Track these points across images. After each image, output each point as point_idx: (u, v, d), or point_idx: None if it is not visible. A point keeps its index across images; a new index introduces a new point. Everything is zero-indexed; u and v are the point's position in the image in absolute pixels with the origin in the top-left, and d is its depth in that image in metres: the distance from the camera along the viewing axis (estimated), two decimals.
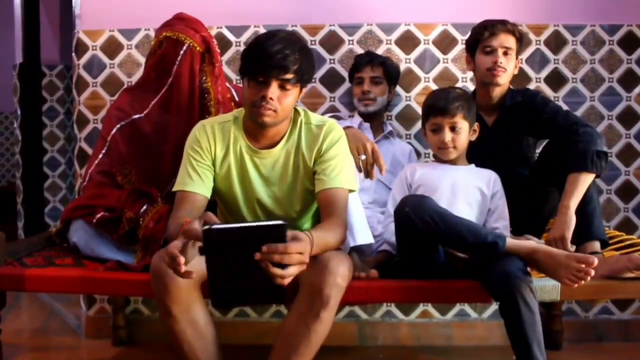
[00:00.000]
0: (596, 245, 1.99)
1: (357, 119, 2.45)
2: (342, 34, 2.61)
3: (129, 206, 2.02)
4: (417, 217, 1.75)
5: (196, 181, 1.79)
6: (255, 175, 1.84)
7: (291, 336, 1.61)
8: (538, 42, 2.61)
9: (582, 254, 1.72)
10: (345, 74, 2.60)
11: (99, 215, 2.03)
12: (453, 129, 2.00)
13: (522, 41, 2.21)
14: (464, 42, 2.39)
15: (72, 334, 2.76)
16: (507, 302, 1.69)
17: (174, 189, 1.81)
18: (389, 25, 2.60)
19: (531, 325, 1.66)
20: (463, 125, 2.00)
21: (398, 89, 2.56)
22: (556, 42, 2.61)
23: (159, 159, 2.13)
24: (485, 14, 2.27)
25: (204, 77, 2.17)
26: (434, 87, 2.56)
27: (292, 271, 1.41)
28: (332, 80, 2.61)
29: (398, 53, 2.58)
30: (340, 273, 1.59)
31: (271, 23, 2.56)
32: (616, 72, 2.62)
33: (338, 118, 2.43)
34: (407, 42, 2.60)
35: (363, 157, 1.96)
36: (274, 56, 1.66)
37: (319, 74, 2.59)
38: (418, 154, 2.55)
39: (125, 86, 2.59)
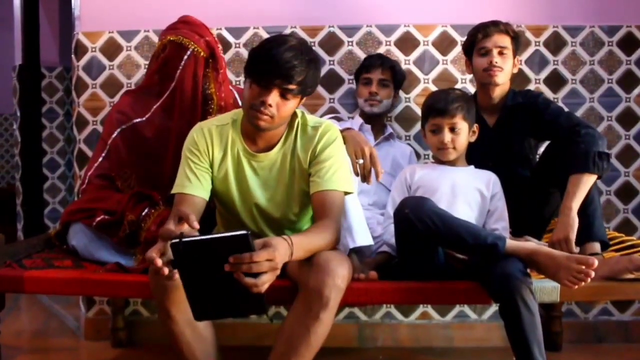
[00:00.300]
0: (596, 246, 1.99)
1: (358, 120, 2.45)
2: (341, 35, 2.61)
3: (130, 209, 2.01)
4: (416, 219, 1.75)
5: (194, 183, 1.78)
6: (253, 178, 1.84)
7: (291, 337, 1.60)
8: (537, 43, 2.61)
9: (582, 256, 1.72)
10: (344, 75, 2.60)
11: (99, 219, 2.03)
12: (452, 129, 2.00)
13: (517, 40, 2.21)
14: (462, 43, 2.39)
15: (71, 335, 2.76)
16: (507, 303, 1.69)
17: (173, 191, 1.81)
18: (389, 26, 2.60)
19: (531, 326, 1.66)
20: (462, 126, 2.00)
21: None
22: (556, 43, 2.61)
23: (160, 164, 2.12)
24: (485, 15, 2.27)
25: (208, 83, 2.17)
26: (433, 88, 2.56)
27: (265, 279, 1.40)
28: (331, 81, 2.61)
29: (397, 54, 2.59)
30: (339, 274, 1.59)
31: (271, 24, 2.57)
32: (616, 73, 2.62)
33: (338, 119, 2.44)
34: (407, 43, 2.60)
35: (361, 161, 1.95)
36: (280, 64, 1.64)
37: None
38: (417, 155, 2.55)
39: (125, 88, 2.59)
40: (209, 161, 1.82)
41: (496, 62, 2.15)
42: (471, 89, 2.48)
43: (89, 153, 2.61)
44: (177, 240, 1.35)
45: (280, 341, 1.63)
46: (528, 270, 1.75)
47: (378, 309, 2.66)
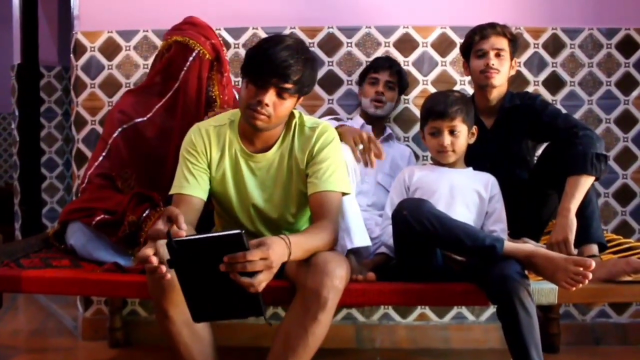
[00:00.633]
0: (594, 248, 1.99)
1: (359, 121, 2.45)
2: (340, 36, 2.61)
3: (131, 210, 2.01)
4: (415, 221, 1.75)
5: (192, 184, 1.78)
6: (250, 179, 1.84)
7: (289, 338, 1.60)
8: (536, 46, 2.61)
9: (579, 257, 1.73)
10: (343, 76, 2.60)
11: (98, 218, 2.02)
12: (452, 132, 2.00)
13: (515, 42, 2.22)
14: (460, 45, 2.39)
15: (68, 335, 2.76)
16: (504, 305, 1.69)
17: (171, 192, 1.81)
18: (388, 27, 2.60)
19: (529, 328, 1.66)
20: (462, 128, 2.01)
21: None
22: (554, 46, 2.61)
23: (161, 164, 2.12)
24: (484, 17, 2.27)
25: (211, 86, 2.17)
26: (432, 89, 2.57)
27: (261, 278, 1.40)
28: (330, 82, 2.61)
29: (396, 56, 2.59)
30: (337, 275, 1.59)
31: (270, 25, 2.57)
32: (614, 75, 2.63)
33: (337, 120, 2.44)
34: (406, 44, 2.60)
35: (361, 146, 1.97)
36: (277, 63, 1.64)
37: (318, 76, 2.57)
38: (416, 157, 2.56)
39: (124, 88, 2.59)
40: (206, 162, 1.82)
41: (493, 64, 2.15)
42: (470, 91, 2.49)
43: (88, 153, 2.60)
44: (171, 240, 1.35)
45: (278, 342, 1.63)
46: (526, 272, 1.75)
47: (376, 310, 2.66)
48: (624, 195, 2.65)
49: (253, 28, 2.60)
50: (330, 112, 2.59)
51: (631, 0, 2.63)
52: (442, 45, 2.61)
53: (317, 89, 2.59)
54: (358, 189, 2.19)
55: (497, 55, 2.17)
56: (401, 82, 2.47)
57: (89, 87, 2.62)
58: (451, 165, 2.04)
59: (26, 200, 3.88)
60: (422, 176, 2.04)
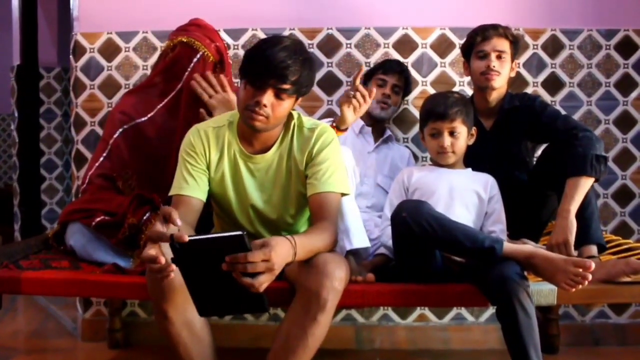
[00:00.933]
0: (593, 249, 1.99)
1: (359, 122, 2.45)
2: (340, 37, 2.61)
3: (131, 212, 2.01)
4: (414, 223, 1.75)
5: (191, 185, 1.78)
6: (249, 180, 1.84)
7: (288, 339, 1.60)
8: (535, 47, 2.61)
9: (579, 258, 1.73)
10: (343, 77, 2.60)
11: (98, 219, 2.02)
12: (452, 133, 2.00)
13: (516, 44, 2.21)
14: (461, 46, 2.39)
15: (68, 336, 2.75)
16: (504, 306, 1.69)
17: (170, 193, 1.81)
18: (387, 29, 2.60)
19: (528, 329, 1.66)
20: (462, 130, 2.01)
21: None
22: (553, 47, 2.62)
23: (162, 165, 2.12)
24: (483, 18, 2.27)
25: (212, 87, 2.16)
26: (431, 91, 2.57)
27: (262, 279, 1.41)
28: (329, 83, 2.61)
29: (396, 57, 2.59)
30: (337, 276, 1.59)
31: (269, 26, 2.57)
32: (613, 76, 2.63)
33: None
34: (405, 46, 2.61)
35: (352, 92, 2.01)
36: (274, 64, 1.64)
37: (317, 77, 2.58)
38: (415, 158, 2.56)
39: (124, 89, 2.59)
40: (205, 163, 1.82)
41: (494, 66, 2.15)
42: (469, 92, 2.49)
43: (87, 154, 2.60)
44: (174, 241, 1.36)
45: (277, 343, 1.63)
46: (525, 273, 1.75)
47: (375, 311, 2.66)
48: (623, 196, 2.65)
49: (252, 29, 2.60)
50: (329, 113, 2.59)
51: (630, 2, 2.63)
52: (442, 46, 2.61)
53: (317, 90, 2.59)
54: (357, 191, 2.19)
55: (499, 57, 2.16)
56: (406, 88, 2.48)
57: (88, 88, 2.62)
58: (450, 166, 2.05)
59: (25, 201, 3.88)
60: (421, 177, 2.05)
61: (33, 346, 2.68)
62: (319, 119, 2.47)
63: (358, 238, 1.91)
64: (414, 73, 2.60)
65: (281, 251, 1.47)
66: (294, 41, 1.74)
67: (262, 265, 1.41)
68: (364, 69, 2.08)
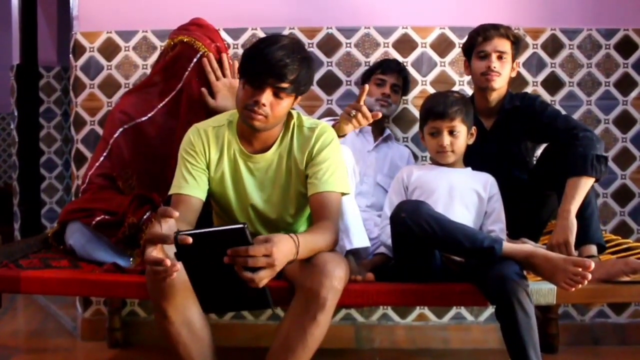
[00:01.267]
0: (593, 249, 1.99)
1: None
2: (339, 36, 2.61)
3: (131, 211, 2.01)
4: (413, 223, 1.75)
5: (191, 184, 1.79)
6: (249, 180, 1.84)
7: (288, 339, 1.60)
8: (535, 46, 2.61)
9: (579, 258, 1.73)
10: (342, 76, 2.60)
11: (98, 218, 2.02)
12: (451, 133, 2.00)
13: (517, 44, 2.21)
14: (461, 45, 2.39)
15: (67, 336, 2.75)
16: (503, 305, 1.69)
17: (170, 192, 1.81)
18: (387, 28, 2.60)
19: (527, 328, 1.66)
20: (461, 129, 2.01)
21: None
22: (553, 46, 2.62)
23: (163, 164, 2.12)
24: (483, 18, 2.27)
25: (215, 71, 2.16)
26: (431, 90, 2.57)
27: (262, 274, 1.41)
28: (329, 83, 2.61)
29: (395, 56, 2.59)
30: (336, 276, 1.59)
31: (269, 26, 2.57)
32: (613, 76, 2.63)
33: (336, 121, 2.43)
34: (405, 45, 2.61)
35: (353, 112, 1.96)
36: (273, 63, 1.65)
37: (317, 76, 2.58)
38: (415, 157, 2.56)
39: (123, 89, 2.59)
40: (205, 162, 1.82)
41: (494, 67, 2.14)
42: (469, 91, 2.49)
43: (87, 153, 2.61)
44: (175, 233, 1.36)
45: (277, 342, 1.63)
46: (524, 273, 1.75)
47: (375, 310, 2.66)
48: (623, 195, 2.65)
49: (252, 29, 2.60)
50: (329, 112, 2.59)
51: (630, 1, 2.63)
52: (441, 45, 2.61)
53: (316, 89, 2.60)
54: (357, 190, 2.19)
55: (499, 57, 2.16)
56: (405, 87, 2.48)
57: (88, 87, 2.62)
58: (450, 165, 2.05)
59: (25, 200, 3.88)
60: (421, 176, 2.05)
61: (33, 345, 2.68)
62: (319, 118, 2.47)
63: (358, 237, 1.91)
64: (413, 72, 2.60)
65: (283, 248, 1.47)
66: (292, 40, 1.74)
67: (263, 260, 1.41)
68: (367, 87, 2.05)
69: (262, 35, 2.56)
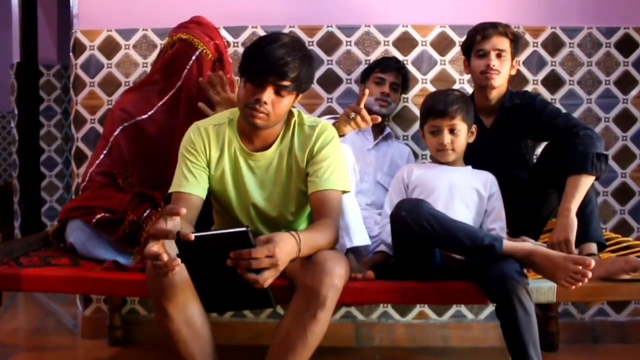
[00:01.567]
0: (593, 247, 1.99)
1: None
2: (340, 35, 2.61)
3: (132, 209, 2.01)
4: (413, 222, 1.75)
5: (191, 182, 1.79)
6: (250, 178, 1.84)
7: (288, 337, 1.61)
8: (535, 44, 2.61)
9: (579, 256, 1.73)
10: (342, 75, 2.60)
11: (98, 216, 2.03)
12: (452, 131, 2.00)
13: (517, 42, 2.21)
14: (461, 44, 2.39)
15: (68, 334, 2.76)
16: (503, 303, 1.69)
17: (170, 190, 1.81)
18: (387, 26, 2.60)
19: (527, 326, 1.66)
20: (462, 127, 2.01)
21: None
22: (553, 44, 2.62)
23: (163, 162, 2.12)
24: (483, 16, 2.27)
25: (214, 88, 2.16)
26: (431, 88, 2.57)
27: (266, 275, 1.41)
28: (329, 81, 2.61)
29: (396, 54, 2.59)
30: (337, 274, 1.59)
31: (269, 24, 2.57)
32: (613, 74, 2.63)
33: (336, 119, 2.43)
34: (405, 43, 2.61)
35: (352, 114, 1.96)
36: (273, 61, 1.65)
37: (317, 75, 2.59)
38: (415, 156, 2.56)
39: (123, 87, 2.59)
40: (206, 160, 1.82)
41: (493, 65, 2.14)
42: (469, 90, 2.49)
43: (87, 151, 2.61)
44: (178, 235, 1.36)
45: (277, 340, 1.63)
46: (525, 271, 1.75)
47: (375, 308, 2.66)
48: (623, 194, 2.66)
49: (252, 27, 2.60)
50: (329, 111, 2.60)
51: (630, 0, 2.63)
52: (442, 44, 2.61)
53: (317, 87, 2.60)
54: (357, 188, 2.19)
55: (498, 55, 2.16)
56: (405, 84, 2.48)
57: (88, 85, 2.62)
58: (450, 163, 2.05)
59: (25, 198, 3.88)
60: (421, 174, 2.05)
61: (33, 343, 2.68)
62: (319, 116, 2.47)
63: (358, 236, 1.92)
64: (413, 71, 2.60)
65: (285, 247, 1.47)
66: (293, 38, 1.74)
67: (266, 261, 1.41)
68: (367, 93, 2.06)
69: (262, 33, 2.56)
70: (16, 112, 3.87)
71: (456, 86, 2.58)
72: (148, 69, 2.54)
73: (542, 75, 2.62)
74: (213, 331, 1.70)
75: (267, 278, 1.42)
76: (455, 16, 2.60)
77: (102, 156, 2.20)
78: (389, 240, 1.92)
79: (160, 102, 2.19)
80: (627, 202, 2.66)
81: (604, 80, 2.63)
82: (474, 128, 2.07)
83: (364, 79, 2.49)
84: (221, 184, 1.84)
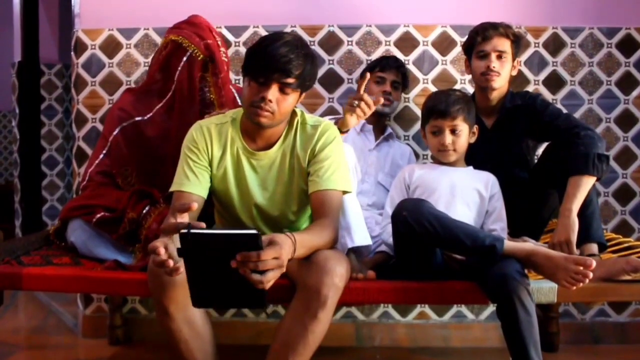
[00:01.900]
0: (594, 247, 1.99)
1: (361, 120, 2.44)
2: (341, 34, 2.61)
3: (131, 206, 2.01)
4: (414, 222, 1.75)
5: (192, 181, 1.78)
6: (252, 177, 1.84)
7: (289, 336, 1.61)
8: (537, 45, 2.61)
9: (580, 257, 1.73)
10: (344, 74, 2.60)
11: (99, 215, 2.03)
12: (453, 131, 2.00)
13: (518, 43, 2.20)
14: (462, 43, 2.39)
15: (69, 333, 2.76)
16: (504, 303, 1.69)
17: (171, 189, 1.81)
18: (388, 26, 2.60)
19: (528, 327, 1.66)
20: (463, 127, 2.01)
21: None
22: (555, 45, 2.62)
23: (161, 163, 2.12)
24: (484, 16, 2.27)
25: (207, 88, 2.16)
26: (432, 88, 2.57)
27: (271, 276, 1.40)
28: (331, 81, 2.61)
29: (397, 54, 2.59)
30: (338, 273, 1.59)
31: (270, 23, 2.57)
32: (614, 75, 2.63)
33: (337, 119, 2.44)
34: (406, 43, 2.61)
35: (355, 102, 1.96)
36: (277, 59, 1.65)
37: (318, 74, 2.58)
38: (416, 156, 2.56)
39: (125, 86, 2.59)
40: (208, 159, 1.82)
41: (494, 67, 2.14)
42: (470, 90, 2.49)
43: (88, 150, 2.61)
44: (186, 230, 1.34)
45: (277, 340, 1.63)
46: (525, 271, 1.75)
47: (375, 308, 2.66)
48: (624, 194, 2.65)
49: (254, 26, 2.60)
50: (330, 110, 2.60)
51: (632, 0, 2.63)
52: (443, 44, 2.61)
53: (318, 87, 2.60)
54: (358, 189, 2.19)
55: (499, 57, 2.16)
56: (405, 82, 2.48)
57: (89, 84, 2.62)
58: (452, 164, 2.05)
59: (26, 197, 3.88)
60: (423, 174, 2.05)
61: (34, 342, 2.68)
62: (321, 116, 2.47)
63: (360, 235, 1.91)
64: (415, 71, 2.60)
65: (288, 249, 1.47)
66: (295, 36, 1.75)
67: (273, 263, 1.40)
68: (368, 75, 2.07)
69: (263, 33, 2.56)
70: (17, 111, 3.88)
71: (457, 86, 2.58)
72: (148, 68, 2.54)
73: (543, 75, 2.62)
74: (214, 330, 1.70)
75: (271, 279, 1.41)
76: (456, 16, 2.60)
77: (101, 156, 2.20)
78: (390, 240, 1.92)
79: (159, 105, 2.20)
80: (628, 203, 2.66)
81: (605, 80, 2.63)
82: (475, 128, 2.07)
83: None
84: (223, 183, 1.84)
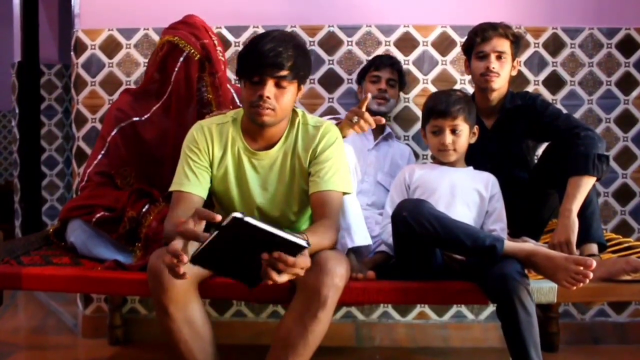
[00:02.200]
0: (594, 247, 1.99)
1: None
2: (341, 35, 2.61)
3: (130, 205, 2.02)
4: (414, 222, 1.75)
5: (192, 181, 1.78)
6: (253, 177, 1.84)
7: (289, 336, 1.61)
8: (537, 45, 2.61)
9: (580, 257, 1.73)
10: (344, 75, 2.60)
11: (98, 215, 2.03)
12: (454, 131, 2.00)
13: (517, 43, 2.20)
14: (462, 44, 2.39)
15: (68, 333, 2.76)
16: (504, 304, 1.69)
17: (171, 188, 1.81)
18: (388, 26, 2.60)
19: (528, 327, 1.66)
20: (464, 127, 2.01)
21: None
22: (555, 45, 2.62)
23: (159, 164, 2.13)
24: (484, 16, 2.27)
25: (204, 87, 2.16)
26: (432, 88, 2.57)
27: (285, 278, 1.42)
28: (331, 81, 2.61)
29: (397, 54, 2.59)
30: (338, 273, 1.59)
31: (270, 24, 2.57)
32: (614, 75, 2.63)
33: (337, 120, 2.44)
34: (406, 43, 2.61)
35: (355, 119, 1.94)
36: (266, 55, 1.66)
37: (318, 74, 2.59)
38: (416, 156, 2.56)
39: (125, 86, 2.59)
40: (208, 160, 1.82)
41: (493, 68, 2.14)
42: (470, 90, 2.49)
43: (88, 150, 2.61)
44: (242, 216, 1.31)
45: (278, 340, 1.63)
46: (525, 271, 1.75)
47: (375, 308, 2.66)
48: (624, 194, 2.66)
49: (253, 27, 2.60)
50: (330, 110, 2.60)
51: (631, 1, 2.63)
52: (443, 44, 2.61)
53: (318, 87, 2.60)
54: (358, 188, 2.19)
55: (498, 57, 2.15)
56: (401, 80, 2.48)
57: (89, 85, 2.62)
58: (452, 164, 2.05)
59: (26, 197, 3.88)
60: (423, 175, 2.04)
61: (33, 342, 2.68)
62: (321, 116, 2.47)
63: (360, 235, 1.91)
64: (414, 71, 2.60)
65: (309, 259, 1.47)
66: (282, 32, 1.77)
67: (297, 271, 1.41)
68: (370, 97, 2.05)
69: None
70: (17, 111, 3.88)
71: (457, 86, 2.59)
72: (146, 68, 2.54)
73: (543, 75, 2.62)
74: (214, 330, 1.70)
75: (285, 280, 1.42)
76: (456, 16, 2.60)
77: (100, 156, 2.20)
78: (390, 240, 1.92)
79: (157, 105, 2.20)
80: (627, 203, 2.66)
81: (605, 81, 2.63)
82: (475, 129, 2.06)
83: (360, 80, 2.50)
84: (223, 183, 1.84)
